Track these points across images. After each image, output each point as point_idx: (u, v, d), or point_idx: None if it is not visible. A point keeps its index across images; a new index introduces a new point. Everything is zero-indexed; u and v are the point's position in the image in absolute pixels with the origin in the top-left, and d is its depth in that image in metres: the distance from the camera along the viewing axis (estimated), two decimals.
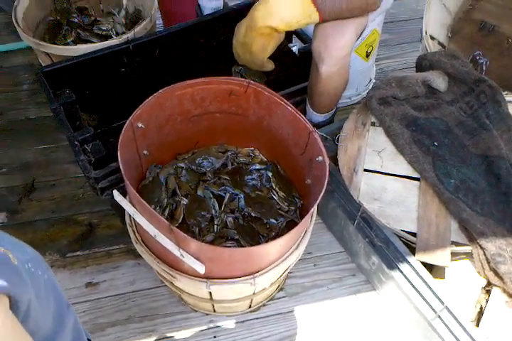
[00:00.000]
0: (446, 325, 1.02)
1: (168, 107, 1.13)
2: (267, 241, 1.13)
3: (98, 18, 1.85)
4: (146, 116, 1.08)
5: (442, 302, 1.03)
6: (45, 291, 0.55)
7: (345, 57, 1.24)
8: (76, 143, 1.24)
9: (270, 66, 1.32)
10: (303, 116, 1.09)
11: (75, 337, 0.68)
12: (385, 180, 1.20)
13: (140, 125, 1.08)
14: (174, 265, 1.03)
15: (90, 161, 1.24)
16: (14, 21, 1.56)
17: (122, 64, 1.50)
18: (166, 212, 1.17)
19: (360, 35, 1.26)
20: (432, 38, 1.55)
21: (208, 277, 1.00)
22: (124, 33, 1.75)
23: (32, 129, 1.67)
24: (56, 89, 1.35)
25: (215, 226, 1.16)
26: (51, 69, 1.40)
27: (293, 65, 1.55)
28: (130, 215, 1.12)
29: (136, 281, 1.32)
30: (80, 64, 1.42)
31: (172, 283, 1.12)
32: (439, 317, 1.03)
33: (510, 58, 1.59)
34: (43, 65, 1.64)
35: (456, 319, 1.01)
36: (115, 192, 1.02)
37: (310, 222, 1.11)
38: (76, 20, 1.81)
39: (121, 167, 0.97)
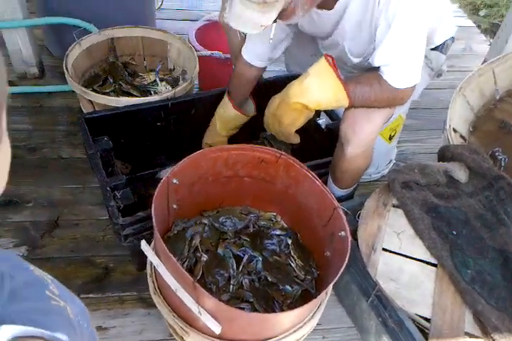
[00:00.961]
0: None
1: (203, 167, 1.19)
2: (280, 307, 1.14)
3: (141, 74, 1.97)
4: (182, 173, 1.14)
5: None
6: None
7: (371, 141, 1.31)
8: (108, 188, 1.28)
9: (296, 140, 1.39)
10: (329, 192, 1.14)
11: None
12: (403, 261, 1.22)
13: (175, 181, 1.13)
14: (188, 320, 1.04)
15: (119, 207, 1.28)
16: (64, 67, 1.66)
17: (159, 118, 1.59)
18: (185, 266, 1.18)
19: (387, 122, 1.34)
20: (455, 131, 1.64)
21: (220, 337, 1.01)
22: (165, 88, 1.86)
23: (63, 168, 1.73)
24: (94, 134, 1.42)
25: (232, 286, 1.17)
26: (92, 117, 1.48)
27: (318, 139, 1.63)
28: (152, 265, 1.15)
29: (144, 331, 1.31)
30: (120, 114, 1.51)
31: (182, 337, 1.11)
32: None
33: None
34: (84, 109, 1.72)
35: None
36: (143, 242, 1.05)
37: (326, 295, 1.13)
38: (120, 73, 1.93)
39: (153, 219, 1.01)
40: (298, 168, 1.20)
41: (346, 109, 1.29)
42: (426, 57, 1.37)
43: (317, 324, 1.35)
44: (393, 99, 1.23)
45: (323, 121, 1.66)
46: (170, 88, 1.88)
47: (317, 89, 1.20)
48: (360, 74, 1.32)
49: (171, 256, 0.95)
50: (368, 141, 1.30)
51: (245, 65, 1.46)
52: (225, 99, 1.51)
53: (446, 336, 1.07)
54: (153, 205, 1.03)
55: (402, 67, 1.18)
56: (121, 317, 1.33)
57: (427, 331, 1.10)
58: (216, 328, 0.93)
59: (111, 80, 1.87)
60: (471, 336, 1.09)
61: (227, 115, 1.52)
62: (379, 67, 1.19)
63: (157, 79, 1.93)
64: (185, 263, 1.19)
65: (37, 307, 0.45)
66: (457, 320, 1.10)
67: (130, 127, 1.56)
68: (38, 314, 0.44)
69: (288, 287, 1.19)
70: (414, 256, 1.23)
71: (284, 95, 1.27)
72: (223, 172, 1.26)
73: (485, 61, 2.21)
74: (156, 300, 1.09)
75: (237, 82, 1.50)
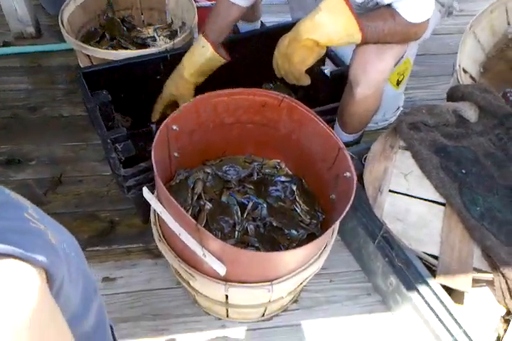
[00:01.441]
0: None
1: (203, 113, 1.16)
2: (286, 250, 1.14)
3: (139, 28, 1.92)
4: (182, 119, 1.11)
5: (460, 326, 1.01)
6: (76, 273, 0.56)
7: (381, 82, 1.26)
8: (108, 141, 1.27)
9: (306, 81, 1.34)
10: (334, 133, 1.11)
11: (98, 321, 0.68)
12: (410, 202, 1.20)
13: (175, 127, 1.11)
14: (194, 265, 1.04)
15: (120, 160, 1.26)
16: (60, 23, 1.62)
17: (158, 71, 1.55)
18: (189, 214, 1.18)
19: (397, 63, 1.29)
20: (465, 71, 1.58)
21: (226, 279, 1.01)
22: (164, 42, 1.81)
23: (64, 126, 1.72)
24: (93, 89, 1.39)
25: (237, 232, 1.17)
26: (91, 71, 1.45)
27: (323, 87, 1.58)
28: (155, 213, 1.14)
29: (152, 280, 1.32)
30: (119, 68, 1.47)
31: (189, 283, 1.12)
32: None
33: None
34: (82, 65, 1.69)
35: None
36: (145, 189, 1.04)
37: (331, 236, 1.12)
38: (118, 28, 1.87)
39: (153, 165, 0.99)
40: (301, 110, 1.17)
41: (358, 46, 1.24)
42: None
43: (323, 268, 1.36)
44: (407, 34, 1.19)
45: (328, 68, 1.61)
46: (169, 42, 1.83)
47: (329, 24, 1.15)
48: (373, 10, 1.27)
49: (173, 200, 0.93)
50: (379, 80, 1.25)
51: (226, 3, 1.38)
52: (202, 39, 1.40)
53: (455, 272, 1.06)
54: (153, 151, 1.01)
55: (415, 1, 1.13)
56: (129, 268, 1.34)
57: (434, 268, 1.09)
58: (221, 269, 0.93)
59: (108, 36, 1.83)
60: (480, 271, 1.08)
61: (202, 57, 1.42)
62: (389, 5, 1.14)
63: (155, 35, 1.88)
64: (189, 212, 1.18)
65: (12, 226, 0.43)
66: (465, 257, 1.09)
67: (129, 81, 1.52)
68: (12, 233, 0.42)
69: (293, 231, 1.18)
70: (422, 197, 1.20)
71: (294, 33, 1.22)
72: (225, 118, 1.23)
73: None
74: (161, 246, 1.09)
75: (216, 22, 1.42)
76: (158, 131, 1.05)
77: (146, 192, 1.05)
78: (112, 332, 0.78)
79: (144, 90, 1.58)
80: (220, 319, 1.25)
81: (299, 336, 1.25)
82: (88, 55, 1.61)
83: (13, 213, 0.45)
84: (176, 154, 1.19)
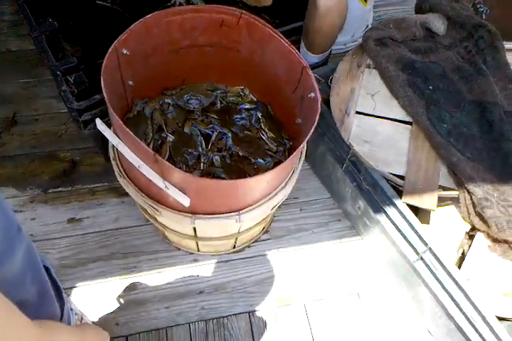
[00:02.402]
0: (428, 267, 1.03)
1: (156, 35, 1.07)
2: None
3: None
4: (132, 42, 1.02)
5: (426, 244, 1.03)
6: None
7: None
8: (58, 73, 1.19)
9: (268, 0, 1.25)
10: (297, 51, 1.04)
11: (27, 264, 0.65)
12: (377, 123, 1.17)
13: (125, 51, 1.02)
14: (159, 199, 1.01)
15: (73, 93, 1.19)
16: None
17: None
18: (150, 148, 1.13)
19: None
20: None
21: (192, 212, 0.99)
22: None
23: (13, 62, 1.60)
24: (39, 17, 1.28)
25: (202, 164, 1.13)
26: None
27: (288, 4, 1.49)
28: (114, 147, 1.09)
29: (120, 219, 1.30)
30: None
31: (156, 219, 1.10)
32: (422, 259, 1.04)
33: (510, 8, 1.53)
34: None
35: (438, 260, 1.02)
36: (98, 121, 0.97)
37: (299, 161, 1.09)
38: None
39: (104, 92, 0.92)
40: (262, 27, 1.08)
41: None
42: None
43: (294, 197, 1.36)
44: None
45: None
46: None
47: None
48: None
49: (128, 130, 0.87)
50: None
51: None
52: None
53: (421, 191, 1.06)
54: (102, 77, 0.93)
55: None
56: (95, 208, 1.31)
57: (401, 189, 1.08)
58: (185, 201, 0.90)
59: None
60: (446, 189, 1.08)
61: None
62: None
63: None
64: (151, 145, 1.13)
65: None
66: (431, 175, 1.08)
67: (78, 7, 1.41)
68: None
69: (260, 160, 1.15)
70: (389, 116, 1.17)
71: None
72: (180, 40, 1.14)
73: None
74: (123, 182, 1.05)
75: None
76: (107, 55, 0.96)
77: (99, 123, 0.98)
78: (50, 273, 0.75)
79: (95, 17, 1.46)
80: (191, 253, 1.26)
81: (271, 265, 1.26)
82: None
83: None
84: (130, 82, 1.12)
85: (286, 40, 1.05)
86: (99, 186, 1.35)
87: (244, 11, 1.06)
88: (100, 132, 0.99)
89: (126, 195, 1.11)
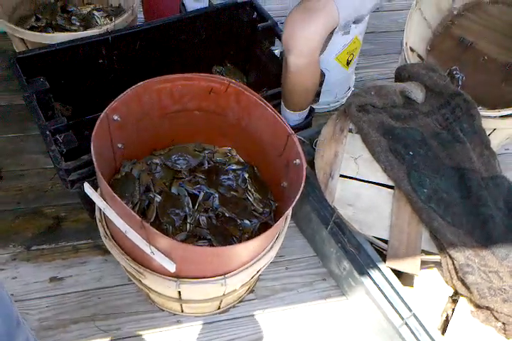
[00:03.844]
0: (412, 332, 1.03)
1: (146, 101, 1.11)
2: (239, 242, 1.12)
3: (78, 7, 1.82)
4: (123, 108, 1.05)
5: (410, 310, 1.04)
6: None
7: (313, 49, 1.24)
8: (48, 132, 1.20)
9: None
10: (283, 119, 1.09)
11: None
12: (360, 186, 1.20)
13: (116, 117, 1.05)
14: (144, 262, 1.01)
15: (62, 152, 1.20)
16: None
17: (100, 55, 1.47)
18: (137, 208, 1.14)
19: (331, 33, 1.26)
20: (412, 50, 1.58)
21: (177, 276, 0.98)
22: (104, 24, 1.72)
23: (2, 116, 1.62)
24: (30, 76, 1.31)
25: (188, 224, 1.14)
26: (25, 56, 1.36)
27: (274, 69, 1.55)
28: (100, 209, 1.10)
29: (103, 278, 1.28)
30: (56, 52, 1.39)
31: (140, 281, 1.09)
32: (406, 324, 1.04)
33: (485, 75, 1.63)
34: (17, 51, 1.59)
35: (422, 326, 1.02)
36: (86, 185, 0.99)
37: (284, 224, 1.11)
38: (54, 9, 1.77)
39: (93, 157, 0.94)
40: (248, 95, 1.13)
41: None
42: None
43: (280, 256, 1.37)
44: None
45: (278, 50, 1.58)
46: (109, 22, 1.74)
47: None
48: None
49: (117, 197, 0.89)
50: (310, 48, 1.24)
51: None
52: None
53: (404, 255, 1.08)
54: (92, 143, 0.95)
55: None
56: (78, 266, 1.30)
57: (385, 252, 1.10)
58: (170, 266, 0.90)
59: (40, 17, 1.72)
60: (428, 253, 1.10)
61: None
62: None
63: (95, 15, 1.77)
64: (138, 206, 1.14)
65: None
66: (414, 239, 1.11)
67: (69, 66, 1.44)
68: None
69: (246, 221, 1.16)
70: (372, 180, 1.21)
71: None
72: (170, 106, 1.18)
73: None
74: (108, 243, 1.05)
75: None
76: (98, 122, 0.99)
77: (87, 187, 0.99)
78: None
79: (86, 76, 1.50)
80: (175, 314, 1.24)
81: (256, 326, 1.25)
82: (23, 39, 1.51)
83: None
84: (119, 145, 1.14)
85: (272, 108, 1.09)
86: (83, 243, 1.34)
87: (232, 80, 1.11)
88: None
89: (110, 252, 1.10)
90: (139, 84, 1.06)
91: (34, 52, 1.37)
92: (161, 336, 1.20)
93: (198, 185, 1.22)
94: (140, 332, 1.20)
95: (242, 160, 1.30)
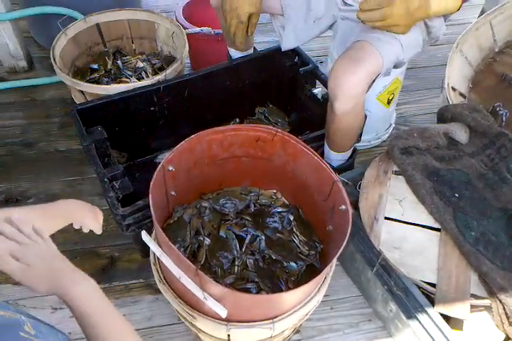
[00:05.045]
0: None
1: (198, 151, 1.17)
2: (286, 285, 1.15)
3: (130, 58, 1.94)
4: (177, 159, 1.12)
5: None
6: None
7: (358, 95, 1.28)
8: (106, 179, 1.28)
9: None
10: (328, 166, 1.12)
11: None
12: (406, 229, 1.21)
13: (171, 168, 1.12)
14: (196, 306, 1.05)
15: (118, 198, 1.28)
16: (52, 59, 1.64)
17: (152, 103, 1.57)
18: (188, 251, 1.19)
19: (375, 78, 1.30)
20: (454, 90, 1.59)
21: (228, 320, 1.02)
22: (156, 73, 1.83)
23: (60, 161, 1.73)
24: (88, 125, 1.40)
25: (236, 267, 1.18)
26: (85, 107, 1.46)
27: (316, 110, 1.60)
28: (155, 254, 1.15)
29: (154, 317, 1.33)
30: (112, 103, 1.49)
31: (191, 322, 1.13)
32: None
33: None
34: (76, 100, 1.71)
35: None
36: (143, 233, 1.05)
37: (330, 269, 1.13)
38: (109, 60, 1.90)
39: (151, 208, 1.00)
40: (294, 143, 1.18)
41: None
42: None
43: (325, 295, 1.37)
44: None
45: (319, 90, 1.63)
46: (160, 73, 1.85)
47: None
48: None
49: (172, 245, 0.94)
50: (355, 93, 1.27)
51: None
52: None
53: (452, 300, 1.07)
54: (150, 195, 1.02)
55: None
56: (130, 305, 1.35)
57: (432, 296, 1.10)
58: (222, 312, 0.94)
59: (96, 67, 1.86)
60: (478, 298, 1.09)
61: None
62: None
63: (146, 66, 1.89)
64: (189, 249, 1.19)
65: None
66: (463, 283, 1.10)
67: (123, 114, 1.54)
68: None
69: (292, 263, 1.19)
70: (417, 223, 1.22)
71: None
72: (219, 154, 1.24)
73: (482, 12, 2.13)
74: (162, 287, 1.10)
75: None
76: (155, 174, 1.06)
77: (144, 235, 1.06)
78: None
79: (139, 123, 1.60)
80: None
81: None
82: (81, 91, 1.63)
83: (10, 337, 0.47)
84: (173, 193, 1.21)
85: (318, 156, 1.13)
86: (135, 283, 1.40)
87: (279, 130, 1.16)
88: (140, 234, 1.06)
89: (161, 292, 1.15)
90: (191, 136, 1.13)
91: (92, 104, 1.48)
92: None
93: (245, 228, 1.26)
94: None
95: (287, 202, 1.34)
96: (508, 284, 1.08)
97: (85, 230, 1.01)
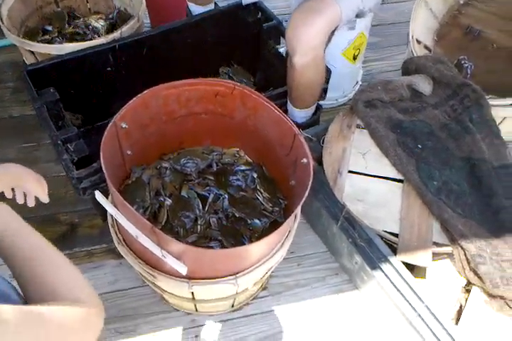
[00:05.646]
0: (426, 324, 1.04)
1: (153, 107, 1.12)
2: (250, 241, 1.14)
3: (85, 18, 1.84)
4: (130, 116, 1.07)
5: (422, 302, 1.04)
6: None
7: (317, 46, 1.25)
8: (59, 142, 1.23)
9: None
10: (289, 119, 1.09)
11: None
12: (370, 181, 1.20)
13: (124, 125, 1.07)
14: (156, 265, 1.02)
15: (73, 160, 1.23)
16: None
17: (108, 63, 1.50)
18: (148, 212, 1.16)
19: (334, 29, 1.27)
20: (418, 42, 1.56)
21: (190, 277, 1.00)
22: (110, 32, 1.74)
23: (14, 127, 1.66)
24: (40, 87, 1.34)
25: (199, 226, 1.16)
26: (35, 68, 1.39)
27: (281, 69, 1.56)
28: (112, 216, 1.12)
29: (118, 281, 1.31)
30: (64, 63, 1.42)
31: (154, 283, 1.11)
32: (420, 316, 1.05)
33: (495, 63, 1.60)
34: (28, 63, 1.62)
35: (435, 318, 1.02)
36: (97, 193, 1.01)
37: (294, 222, 1.11)
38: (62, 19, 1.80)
39: (103, 167, 0.96)
40: (254, 97, 1.14)
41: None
42: None
43: (291, 252, 1.38)
44: None
45: (283, 48, 1.58)
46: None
47: None
48: None
49: (126, 203, 0.91)
50: (314, 45, 1.24)
51: None
52: None
53: (415, 248, 1.08)
54: (101, 152, 0.98)
55: None
56: (92, 271, 1.32)
57: (395, 246, 1.10)
58: (182, 269, 0.92)
59: (50, 28, 1.76)
60: (439, 245, 1.10)
61: None
62: None
63: (99, 24, 1.80)
64: (149, 209, 1.16)
65: None
66: (425, 232, 1.10)
67: (77, 75, 1.47)
68: None
69: (256, 221, 1.17)
70: (381, 175, 1.21)
71: None
72: (177, 110, 1.20)
73: None
74: (121, 249, 1.07)
75: None
76: (106, 132, 1.01)
77: (98, 195, 1.02)
78: None
79: (95, 84, 1.53)
80: (189, 314, 1.26)
81: (270, 322, 1.26)
82: (32, 51, 1.55)
83: None
84: (128, 152, 1.16)
85: (278, 109, 1.10)
86: (97, 248, 1.37)
87: (238, 83, 1.12)
88: None
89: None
90: (145, 91, 1.08)
91: (43, 64, 1.40)
92: (177, 335, 1.22)
93: (208, 187, 1.23)
94: (156, 332, 1.23)
95: (250, 160, 1.31)
96: (468, 231, 1.08)
97: (30, 200, 0.94)
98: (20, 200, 0.94)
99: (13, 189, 0.92)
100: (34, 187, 0.92)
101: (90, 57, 1.45)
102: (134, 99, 1.06)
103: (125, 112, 1.06)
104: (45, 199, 0.95)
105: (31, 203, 0.95)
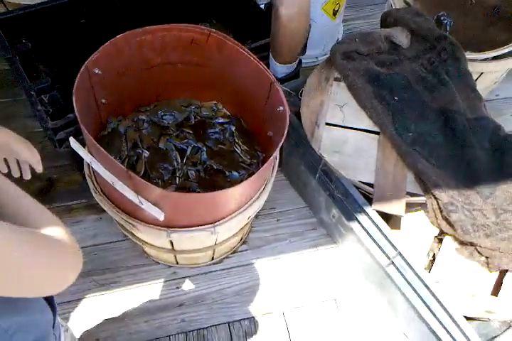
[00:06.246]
0: (399, 271, 1.06)
1: (127, 54, 1.10)
2: None
3: None
4: (104, 61, 1.05)
5: (396, 249, 1.06)
6: None
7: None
8: (32, 93, 1.20)
9: None
10: (265, 67, 1.08)
11: None
12: (346, 133, 1.21)
13: (97, 71, 1.05)
14: (135, 214, 1.03)
15: (48, 112, 1.20)
16: None
17: (82, 14, 1.45)
18: (125, 164, 1.15)
19: None
20: None
21: (168, 226, 1.01)
22: None
23: None
24: (12, 38, 1.29)
25: (177, 178, 1.16)
26: (6, 17, 1.34)
27: (259, 21, 1.53)
28: (89, 165, 1.11)
29: (98, 235, 1.31)
30: (37, 13, 1.36)
31: (133, 234, 1.12)
32: (393, 263, 1.07)
33: (473, 18, 1.60)
34: None
35: (408, 265, 1.05)
36: (71, 139, 0.99)
37: (272, 172, 1.12)
38: None
39: (76, 112, 0.94)
40: (231, 45, 1.12)
41: None
42: None
43: (271, 208, 1.39)
44: None
45: (262, 2, 1.55)
46: None
47: None
48: None
49: (101, 148, 0.90)
50: None
51: None
52: None
53: (389, 197, 1.10)
54: (74, 98, 0.95)
55: None
56: (72, 226, 1.32)
57: (371, 196, 1.12)
58: (159, 215, 0.92)
59: None
60: (413, 195, 1.12)
61: None
62: None
63: None
64: (126, 161, 1.16)
65: None
66: (399, 182, 1.12)
67: (50, 27, 1.42)
68: None
69: (234, 173, 1.18)
70: (358, 127, 1.21)
71: None
72: (152, 59, 1.17)
73: None
74: (99, 198, 1.07)
75: None
76: (78, 76, 0.99)
77: (72, 142, 1.00)
78: None
79: (68, 36, 1.48)
80: (170, 266, 1.27)
81: (250, 275, 1.29)
82: (2, 0, 1.49)
83: None
84: (103, 101, 1.14)
85: (255, 57, 1.08)
86: (76, 203, 1.37)
87: (213, 30, 1.09)
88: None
89: (104, 211, 1.12)
90: (118, 36, 1.05)
91: (14, 14, 1.35)
92: (158, 287, 1.24)
93: (186, 140, 1.22)
94: (137, 285, 1.24)
95: (228, 113, 1.30)
96: (441, 181, 1.10)
97: (25, 172, 0.87)
98: (16, 173, 0.86)
99: (5, 159, 0.83)
100: (29, 157, 0.84)
101: (63, 7, 1.40)
102: (106, 43, 1.04)
103: (97, 57, 1.03)
104: (39, 169, 0.88)
105: (27, 175, 0.88)
